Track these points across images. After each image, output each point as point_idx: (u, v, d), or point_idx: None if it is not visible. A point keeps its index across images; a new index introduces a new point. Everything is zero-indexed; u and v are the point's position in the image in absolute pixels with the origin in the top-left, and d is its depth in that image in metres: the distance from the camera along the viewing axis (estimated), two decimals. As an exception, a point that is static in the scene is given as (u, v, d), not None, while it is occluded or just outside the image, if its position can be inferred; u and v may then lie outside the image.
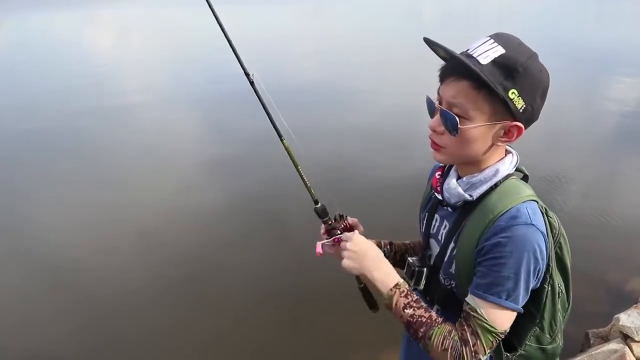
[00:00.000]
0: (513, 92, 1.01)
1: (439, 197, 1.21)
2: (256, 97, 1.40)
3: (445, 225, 1.21)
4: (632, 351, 2.60)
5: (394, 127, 7.20)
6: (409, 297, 1.13)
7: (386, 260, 1.20)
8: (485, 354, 1.06)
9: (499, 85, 1.00)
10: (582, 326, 3.07)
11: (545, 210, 1.12)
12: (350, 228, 1.33)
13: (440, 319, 1.11)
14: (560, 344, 1.23)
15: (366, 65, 12.08)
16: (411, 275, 1.27)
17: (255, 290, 3.67)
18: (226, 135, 7.30)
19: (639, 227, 4.44)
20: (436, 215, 1.26)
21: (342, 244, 1.21)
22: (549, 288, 1.13)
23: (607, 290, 3.60)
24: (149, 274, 3.92)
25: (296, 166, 1.37)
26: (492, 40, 1.03)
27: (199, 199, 5.15)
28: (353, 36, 18.48)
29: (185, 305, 3.57)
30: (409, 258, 1.30)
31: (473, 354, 1.05)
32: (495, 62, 1.00)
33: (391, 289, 1.14)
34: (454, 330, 1.09)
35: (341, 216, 1.35)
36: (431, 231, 1.28)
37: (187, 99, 9.61)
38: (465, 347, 1.05)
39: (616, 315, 2.85)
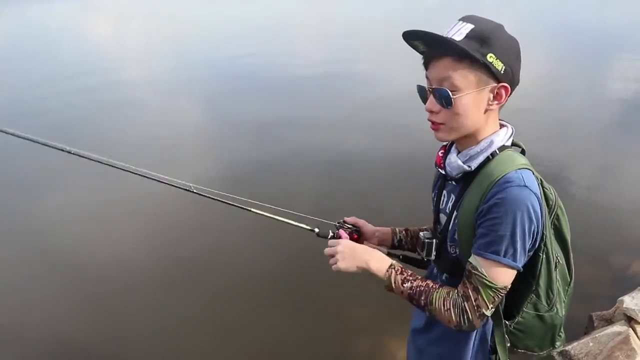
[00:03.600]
0: (491, 56, 1.10)
1: (443, 172, 1.30)
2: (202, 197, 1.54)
3: (452, 198, 1.29)
4: (636, 333, 2.60)
5: (396, 112, 7.17)
6: (404, 273, 1.24)
7: (375, 250, 1.31)
8: (488, 308, 1.14)
9: (477, 52, 1.09)
10: (586, 309, 3.07)
11: (541, 181, 1.20)
12: (356, 229, 1.50)
13: (437, 285, 1.22)
14: (560, 314, 1.29)
15: (366, 52, 12.02)
16: (422, 248, 1.37)
17: (261, 276, 3.69)
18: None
19: (643, 209, 4.42)
20: (444, 191, 1.35)
21: (330, 249, 1.31)
22: (544, 256, 1.19)
23: (611, 273, 3.60)
24: (159, 261, 3.94)
25: (278, 219, 1.50)
26: (461, 21, 1.13)
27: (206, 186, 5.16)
28: (353, 21, 18.35)
29: (194, 293, 3.59)
30: (420, 233, 1.41)
31: (475, 307, 1.14)
32: (468, 36, 1.10)
33: (387, 271, 1.24)
34: (451, 291, 1.19)
35: (340, 223, 1.50)
36: (441, 206, 1.36)
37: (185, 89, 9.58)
38: (467, 302, 1.14)
39: (620, 298, 2.85)
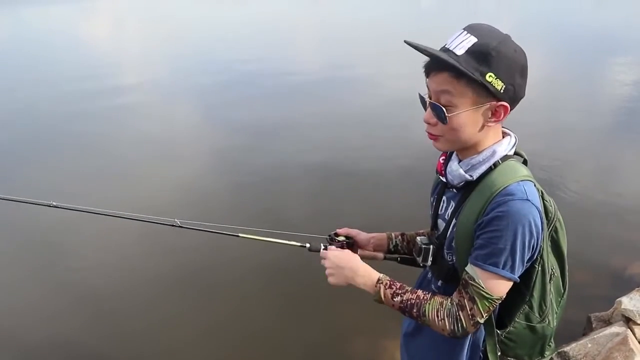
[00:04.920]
0: (490, 75, 1.07)
1: (444, 180, 1.29)
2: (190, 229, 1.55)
3: (452, 206, 1.28)
4: (634, 334, 2.61)
5: (393, 116, 7.17)
6: (393, 286, 1.23)
7: (362, 264, 1.29)
8: (483, 317, 1.14)
9: (476, 71, 1.07)
10: (584, 310, 3.08)
11: (542, 193, 1.18)
12: (348, 240, 1.50)
13: (428, 295, 1.21)
14: (552, 326, 1.29)
15: (364, 55, 12.04)
16: (419, 253, 1.37)
17: (256, 275, 3.68)
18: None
19: (640, 211, 4.45)
20: (444, 197, 1.34)
21: (322, 262, 1.33)
22: (539, 268, 1.19)
23: (609, 274, 3.61)
24: (150, 265, 3.93)
25: (268, 241, 1.51)
26: (465, 32, 1.10)
27: (202, 184, 5.17)
28: (351, 24, 18.38)
29: (186, 293, 3.59)
30: (417, 237, 1.41)
31: (470, 317, 1.14)
32: (469, 51, 1.07)
33: (375, 286, 1.24)
34: (444, 300, 1.19)
35: (331, 237, 1.50)
36: (439, 212, 1.35)
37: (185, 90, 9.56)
38: (462, 312, 1.15)
39: (618, 299, 2.86)
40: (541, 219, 1.12)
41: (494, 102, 1.11)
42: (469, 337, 1.29)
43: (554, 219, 1.21)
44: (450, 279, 1.28)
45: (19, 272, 3.94)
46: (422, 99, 1.20)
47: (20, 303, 3.61)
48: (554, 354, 2.64)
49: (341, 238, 1.50)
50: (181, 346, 3.11)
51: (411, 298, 1.21)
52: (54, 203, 1.62)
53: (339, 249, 1.40)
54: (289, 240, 1.49)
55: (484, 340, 1.28)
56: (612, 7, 21.03)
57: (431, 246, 1.34)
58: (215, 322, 3.30)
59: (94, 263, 4.04)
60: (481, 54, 1.07)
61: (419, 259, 1.37)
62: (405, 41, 1.13)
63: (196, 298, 3.57)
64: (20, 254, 4.20)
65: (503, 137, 1.22)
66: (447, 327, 1.16)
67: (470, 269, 1.14)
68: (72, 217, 4.37)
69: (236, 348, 3.12)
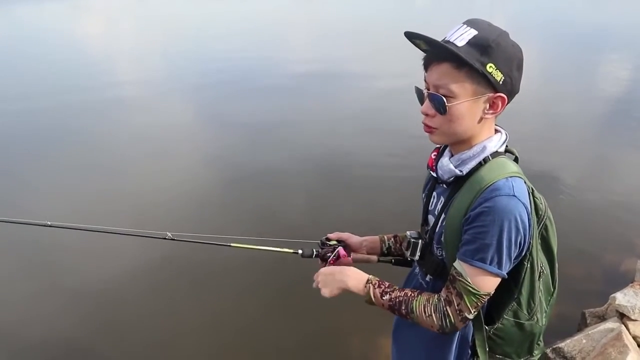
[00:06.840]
0: (490, 66, 1.09)
1: (434, 175, 1.30)
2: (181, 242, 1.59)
3: (441, 201, 1.29)
4: (628, 330, 2.62)
5: (385, 114, 7.18)
6: (381, 286, 1.27)
7: (351, 269, 1.34)
8: (471, 312, 1.15)
9: (477, 62, 1.08)
10: (578, 306, 3.10)
11: (532, 190, 1.18)
12: (340, 244, 1.50)
13: (415, 293, 1.24)
14: (540, 324, 1.29)
15: (356, 53, 12.03)
16: (407, 247, 1.37)
17: (251, 272, 3.66)
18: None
19: (634, 207, 4.47)
20: (434, 193, 1.34)
21: (315, 283, 1.36)
22: (528, 265, 1.20)
23: (603, 270, 3.63)
24: (145, 260, 3.89)
25: (260, 249, 1.54)
26: (465, 25, 1.12)
27: (194, 187, 5.15)
28: (343, 21, 18.36)
29: (181, 290, 3.58)
30: (407, 232, 1.41)
31: (457, 312, 1.15)
32: (470, 42, 1.09)
33: (365, 286, 1.27)
34: (431, 297, 1.21)
35: (323, 242, 1.51)
36: (429, 208, 1.36)
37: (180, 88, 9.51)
38: (450, 307, 1.16)
39: (612, 295, 2.87)
40: (528, 215, 1.12)
41: (492, 94, 1.12)
42: (457, 332, 1.29)
43: (544, 216, 1.21)
44: (439, 274, 1.28)
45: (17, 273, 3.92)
46: (419, 91, 1.21)
47: (16, 301, 3.60)
48: (548, 350, 2.65)
49: (333, 242, 1.51)
50: (175, 340, 3.12)
51: (399, 295, 1.23)
52: (49, 223, 1.63)
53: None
54: (281, 248, 1.52)
55: (472, 335, 1.29)
56: (607, 6, 21.09)
57: (420, 241, 1.35)
58: (210, 318, 3.30)
59: (88, 265, 4.03)
60: (482, 46, 1.08)
61: (407, 253, 1.37)
62: (405, 32, 1.13)
63: (191, 293, 3.56)
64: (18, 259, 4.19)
65: (495, 133, 1.22)
66: (435, 322, 1.17)
67: (457, 264, 1.15)
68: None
69: (230, 344, 3.11)
